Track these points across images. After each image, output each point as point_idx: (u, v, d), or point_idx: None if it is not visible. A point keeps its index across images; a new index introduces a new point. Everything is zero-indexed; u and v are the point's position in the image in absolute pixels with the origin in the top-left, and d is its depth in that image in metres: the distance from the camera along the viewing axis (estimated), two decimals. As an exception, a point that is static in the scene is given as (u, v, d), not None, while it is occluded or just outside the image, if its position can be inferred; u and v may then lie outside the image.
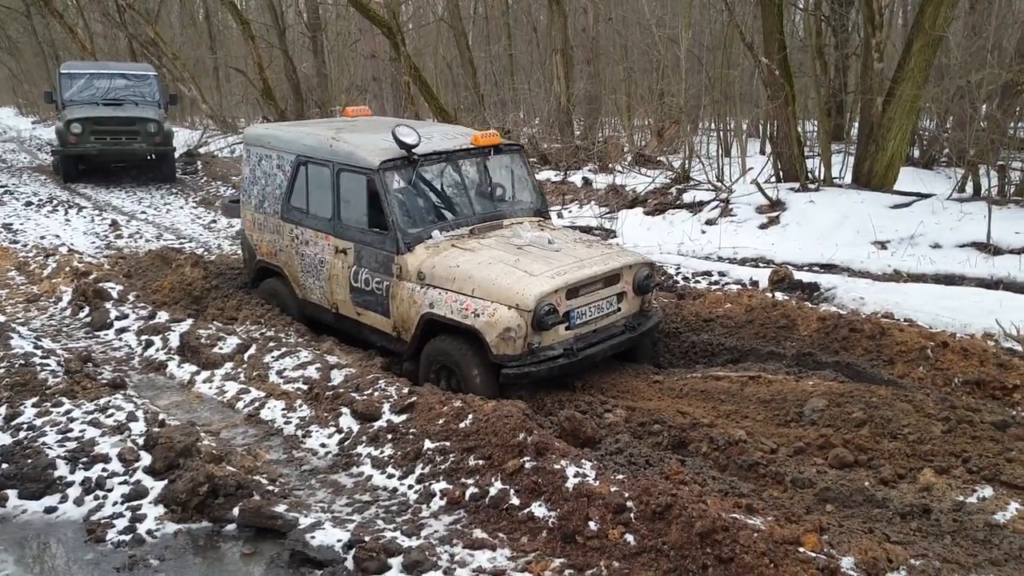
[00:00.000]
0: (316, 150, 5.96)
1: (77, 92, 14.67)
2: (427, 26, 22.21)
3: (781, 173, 11.05)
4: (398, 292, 5.38)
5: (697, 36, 15.32)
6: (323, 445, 4.52)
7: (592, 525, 3.14)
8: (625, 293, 5.39)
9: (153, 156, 14.76)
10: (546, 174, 13.76)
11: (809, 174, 10.59)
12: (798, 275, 7.38)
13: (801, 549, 2.74)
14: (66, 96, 14.50)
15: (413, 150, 5.47)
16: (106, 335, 6.51)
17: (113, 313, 6.76)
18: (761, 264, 8.24)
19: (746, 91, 14.99)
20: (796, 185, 10.18)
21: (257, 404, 5.06)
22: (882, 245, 8.15)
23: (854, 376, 4.89)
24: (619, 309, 5.38)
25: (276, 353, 5.67)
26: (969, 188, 9.94)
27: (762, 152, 14.53)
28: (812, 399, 4.31)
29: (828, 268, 7.91)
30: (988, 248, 7.64)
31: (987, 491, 3.39)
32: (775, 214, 9.43)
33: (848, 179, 10.84)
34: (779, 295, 6.77)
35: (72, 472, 3.99)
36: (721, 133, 14.20)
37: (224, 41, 26.46)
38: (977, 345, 4.92)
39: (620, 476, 3.37)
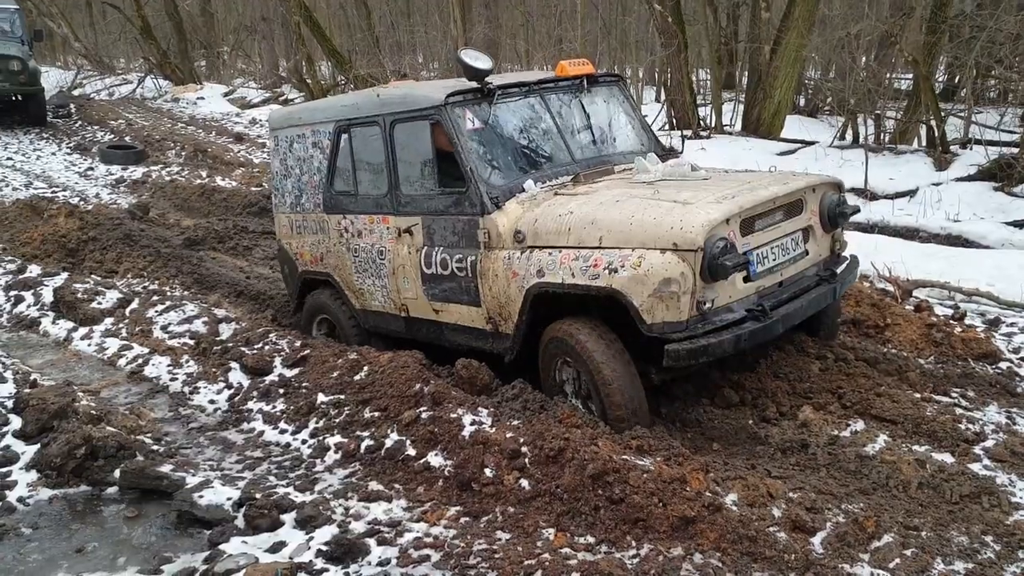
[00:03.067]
0: (360, 108, 4.66)
1: None
2: (319, -38, 21.14)
3: (675, 120, 11.27)
4: (489, 266, 3.99)
5: (594, -19, 15.27)
6: (212, 401, 4.36)
7: (488, 472, 3.16)
8: (811, 228, 3.97)
9: (18, 97, 13.45)
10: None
11: (701, 122, 10.86)
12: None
13: (688, 488, 2.85)
14: None
15: (486, 79, 4.20)
16: (-34, 292, 6.01)
17: (-26, 268, 6.25)
18: (656, 211, 8.41)
19: (642, 38, 15.10)
20: (689, 132, 10.42)
21: (141, 361, 4.82)
22: (769, 192, 8.48)
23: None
24: (806, 252, 3.94)
25: (160, 307, 5.42)
26: (849, 136, 10.44)
27: (658, 100, 14.76)
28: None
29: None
30: (865, 193, 8.07)
31: (859, 425, 3.61)
32: (670, 161, 9.65)
33: (738, 127, 11.18)
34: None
35: (-71, 441, 3.69)
36: (619, 81, 14.29)
37: (95, -28, 24.40)
38: (854, 287, 5.20)
39: (515, 422, 3.39)
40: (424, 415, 3.58)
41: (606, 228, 3.55)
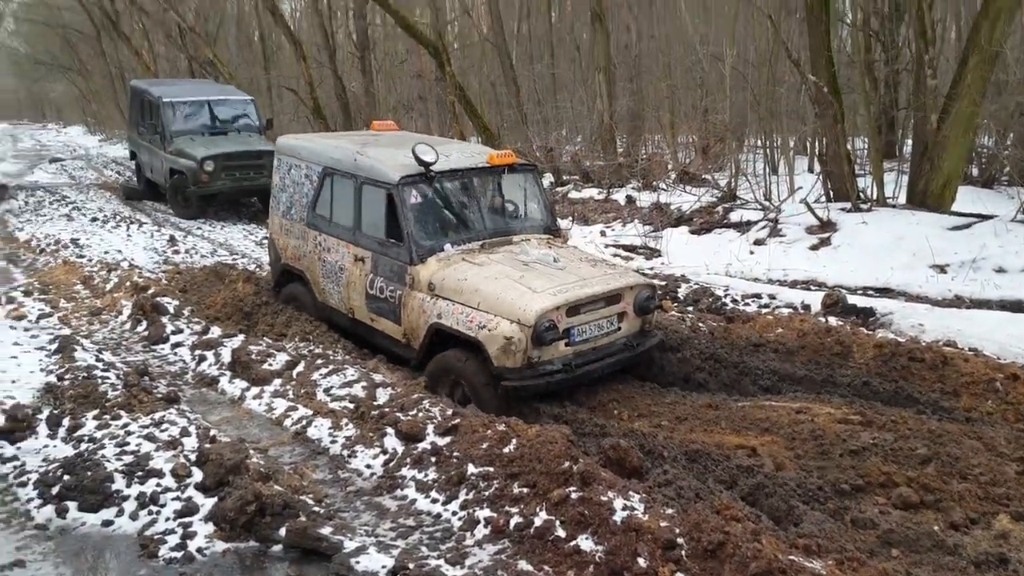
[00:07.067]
0: (342, 163, 6.29)
1: (181, 122, 13.77)
2: (472, 46, 22.45)
3: (831, 192, 10.81)
4: (409, 301, 5.63)
5: (742, 52, 15.17)
6: (368, 466, 4.52)
7: (641, 561, 3.06)
8: (626, 313, 5.47)
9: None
10: (588, 191, 13.71)
11: (861, 193, 10.34)
12: (852, 299, 7.20)
13: (863, 595, 2.63)
14: (173, 128, 13.61)
15: (431, 167, 5.75)
16: (162, 349, 6.64)
17: (169, 327, 6.90)
18: (812, 287, 8.06)
19: (793, 107, 14.75)
20: (847, 205, 9.95)
21: (304, 422, 5.09)
22: (941, 269, 7.89)
23: (912, 406, 4.73)
24: (619, 328, 5.47)
25: (324, 371, 5.70)
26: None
27: (810, 170, 14.27)
28: (871, 433, 4.16)
29: (883, 292, 7.69)
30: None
31: (1067, 539, 3.22)
32: (826, 235, 9.23)
33: (902, 199, 10.56)
34: (832, 320, 6.60)
35: (128, 486, 4.06)
36: (768, 150, 13.99)
37: (277, 61, 27.07)
38: (1050, 382, 4.70)
39: (669, 510, 3.28)
40: (573, 495, 3.54)
41: (483, 297, 5.14)
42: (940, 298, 7.31)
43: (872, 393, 5.04)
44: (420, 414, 4.81)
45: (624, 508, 3.34)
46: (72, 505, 3.94)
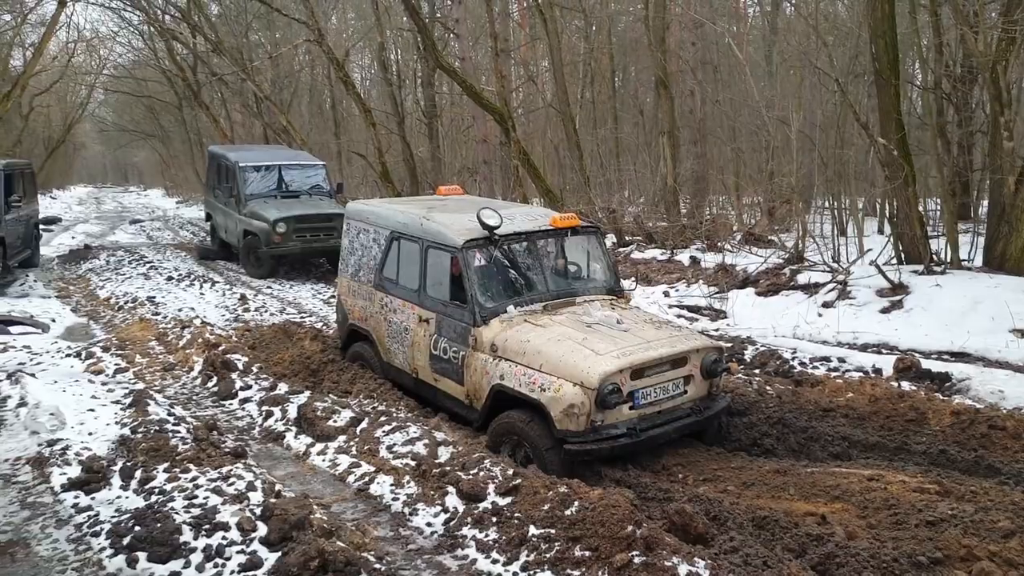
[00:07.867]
0: (408, 227, 6.47)
1: (255, 185, 14.31)
2: (536, 112, 22.96)
3: (902, 255, 10.54)
4: (472, 362, 5.67)
5: (808, 116, 15.09)
6: (429, 524, 4.52)
7: (707, 630, 2.97)
8: (692, 376, 5.37)
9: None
10: (651, 252, 13.70)
11: (934, 256, 10.05)
12: (926, 364, 6.94)
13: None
14: (247, 191, 14.16)
15: (495, 231, 5.86)
16: (231, 404, 6.84)
17: (238, 383, 7.11)
18: (884, 351, 7.81)
19: (861, 170, 14.53)
20: (920, 267, 9.67)
21: (367, 479, 5.14)
22: (1022, 334, 7.56)
23: (993, 476, 4.49)
24: (685, 392, 5.36)
25: (387, 428, 5.76)
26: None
27: (880, 232, 13.96)
28: (949, 503, 3.97)
29: (960, 357, 7.39)
30: None
31: None
32: (898, 298, 8.96)
33: (978, 261, 10.22)
34: (906, 385, 6.36)
35: (196, 538, 4.15)
36: (835, 212, 13.76)
37: (348, 127, 28.22)
38: None
39: (737, 578, 3.19)
40: (636, 560, 3.47)
41: (545, 359, 5.12)
42: (1022, 364, 6.98)
43: (949, 462, 4.83)
44: (481, 473, 4.80)
45: (689, 575, 3.25)
46: (142, 556, 4.04)
